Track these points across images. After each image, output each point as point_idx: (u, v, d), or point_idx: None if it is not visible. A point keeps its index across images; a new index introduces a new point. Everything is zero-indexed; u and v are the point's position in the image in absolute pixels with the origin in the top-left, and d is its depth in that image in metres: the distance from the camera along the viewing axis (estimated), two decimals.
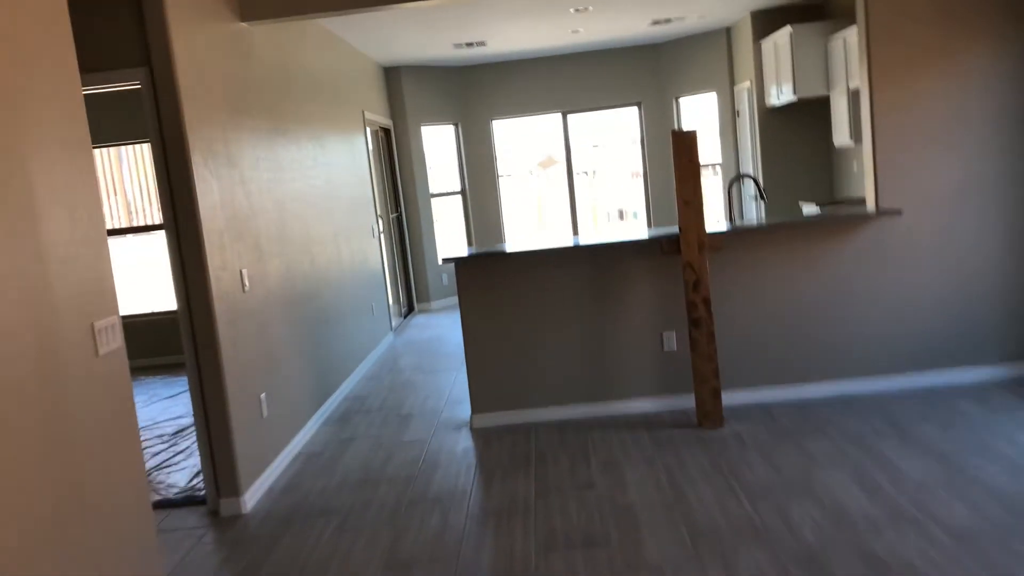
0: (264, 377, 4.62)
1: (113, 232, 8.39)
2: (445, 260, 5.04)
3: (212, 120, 4.25)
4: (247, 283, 4.47)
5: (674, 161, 4.67)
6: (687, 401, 5.09)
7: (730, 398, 5.06)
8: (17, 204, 2.35)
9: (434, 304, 9.87)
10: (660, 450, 4.42)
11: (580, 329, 5.07)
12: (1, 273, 2.27)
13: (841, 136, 7.27)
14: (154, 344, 8.24)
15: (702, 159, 10.22)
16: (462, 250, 5.44)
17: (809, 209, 7.56)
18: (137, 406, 6.58)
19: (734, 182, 5.85)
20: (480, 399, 5.16)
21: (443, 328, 8.62)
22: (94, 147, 8.17)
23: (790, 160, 8.64)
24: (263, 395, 4.56)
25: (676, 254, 4.75)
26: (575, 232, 10.49)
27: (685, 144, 4.62)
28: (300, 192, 5.67)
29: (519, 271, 5.10)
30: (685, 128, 9.99)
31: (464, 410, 5.57)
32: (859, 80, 5.09)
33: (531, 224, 14.10)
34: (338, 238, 6.56)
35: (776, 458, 4.14)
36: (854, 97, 7.02)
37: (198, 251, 3.98)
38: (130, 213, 9.64)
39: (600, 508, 3.76)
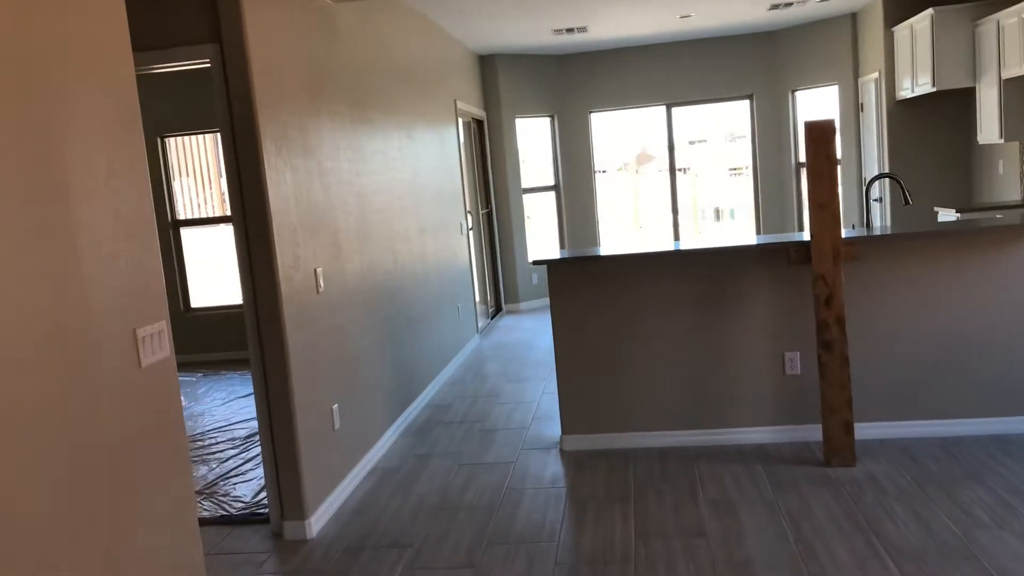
0: (338, 386, 4.22)
1: (207, 221, 8.24)
2: (536, 262, 4.55)
3: (288, 104, 3.86)
4: (322, 283, 4.08)
5: (807, 157, 4.04)
6: (811, 433, 4.44)
7: (862, 431, 4.39)
8: (47, 194, 1.97)
9: (523, 305, 9.40)
10: (781, 491, 3.81)
11: (687, 345, 4.49)
12: (27, 273, 1.89)
13: (989, 132, 6.41)
14: (238, 338, 8.05)
15: None
16: (554, 251, 4.93)
17: (946, 215, 6.73)
18: (214, 404, 6.34)
19: (874, 182, 5.15)
20: (571, 419, 4.64)
21: (531, 331, 8.14)
22: (189, 133, 8.02)
23: (922, 159, 7.78)
24: (335, 406, 4.16)
25: (805, 264, 4.12)
26: (675, 234, 9.83)
27: (821, 136, 3.98)
28: (384, 185, 5.27)
29: (618, 277, 4.55)
30: (807, 122, 9.20)
31: (553, 428, 5.06)
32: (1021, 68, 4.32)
33: (627, 224, 13.48)
34: (424, 234, 6.15)
35: (924, 511, 3.47)
36: (1008, 88, 6.16)
37: (267, 247, 3.60)
38: (223, 202, 9.53)
39: (714, 565, 3.19)
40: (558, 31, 7.99)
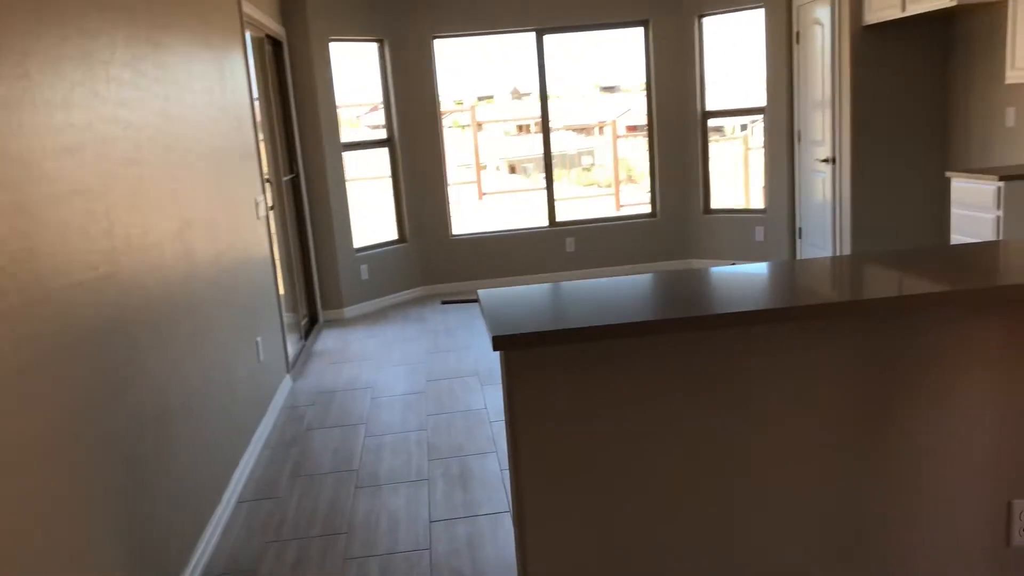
0: None
1: None
2: (497, 340, 1.93)
3: None
4: None
5: None
6: None
7: None
8: None
9: (348, 312, 6.64)
10: None
11: (804, 493, 2.08)
12: None
13: (1022, 65, 4.50)
14: None
15: (738, 103, 7.34)
16: (514, 323, 2.34)
17: (969, 182, 4.78)
18: None
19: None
20: None
21: (371, 359, 5.44)
22: None
23: (897, 106, 5.86)
24: None
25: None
26: (551, 214, 7.41)
27: None
28: (92, 140, 2.37)
29: (645, 364, 2.04)
30: (707, 59, 7.04)
31: None
32: None
33: (471, 194, 10.94)
34: (191, 228, 3.27)
35: None
36: None
37: None
38: None
39: None
40: None
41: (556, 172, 7.41)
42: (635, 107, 8.46)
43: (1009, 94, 5.22)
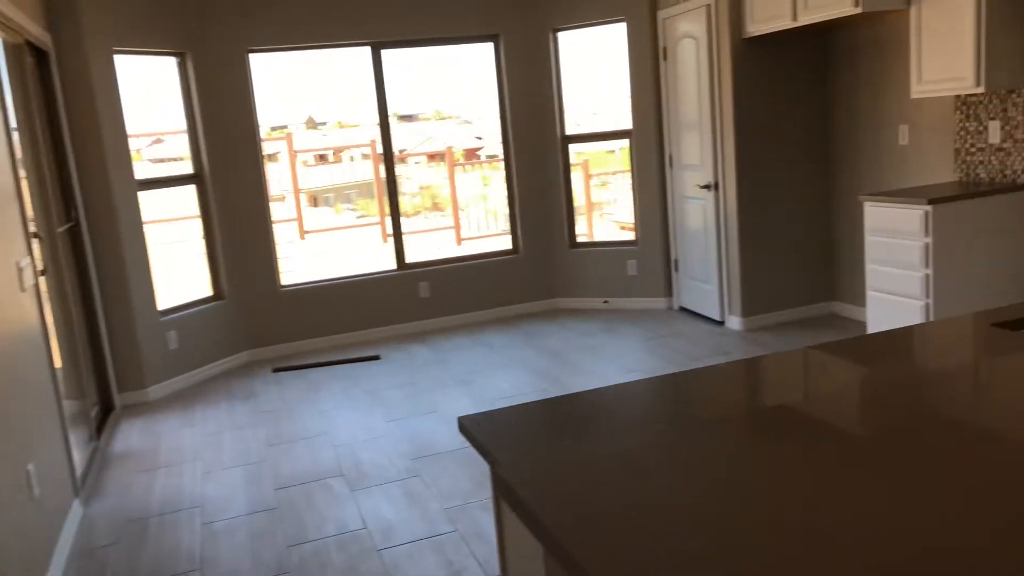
0: None
1: None
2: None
3: None
4: None
5: None
6: None
7: None
8: None
9: (154, 391, 5.26)
10: None
11: None
12: None
13: (942, 77, 4.11)
14: None
15: (602, 124, 6.70)
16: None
17: (883, 207, 4.32)
18: None
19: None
20: None
21: (193, 461, 4.17)
22: None
23: (781, 128, 5.41)
24: None
25: None
26: (399, 256, 6.39)
27: None
28: None
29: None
30: (564, 75, 6.36)
31: None
32: None
33: (292, 233, 9.68)
34: None
35: None
36: (995, 4, 3.90)
37: None
38: None
39: None
40: None
41: (379, 203, 6.41)
42: (480, 133, 7.70)
43: (902, 111, 4.88)
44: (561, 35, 6.32)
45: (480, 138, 12.72)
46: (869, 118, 5.12)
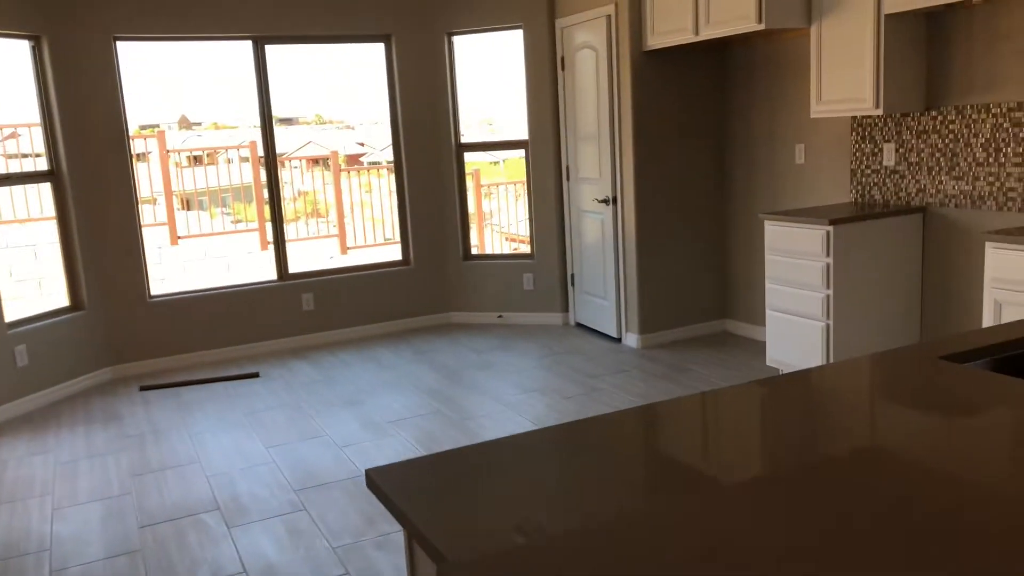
0: None
1: None
2: None
3: None
4: None
5: None
6: None
7: None
8: None
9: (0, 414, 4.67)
10: None
11: None
12: None
13: (841, 98, 4.14)
14: None
15: (496, 134, 6.50)
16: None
17: (784, 226, 4.32)
18: None
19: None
20: None
21: (42, 495, 3.67)
22: None
23: (680, 143, 5.37)
24: None
25: None
26: (280, 264, 5.97)
27: None
28: None
29: None
30: (458, 79, 6.15)
31: None
32: None
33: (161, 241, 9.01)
34: None
35: None
36: (893, 27, 3.96)
37: None
38: None
39: None
40: None
41: (258, 208, 6.00)
42: (372, 137, 7.40)
43: (798, 130, 4.92)
44: (457, 39, 6.10)
45: (362, 144, 12.31)
46: (766, 136, 5.15)
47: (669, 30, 4.88)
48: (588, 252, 5.78)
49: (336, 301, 6.05)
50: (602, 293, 5.68)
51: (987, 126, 3.90)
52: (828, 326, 4.10)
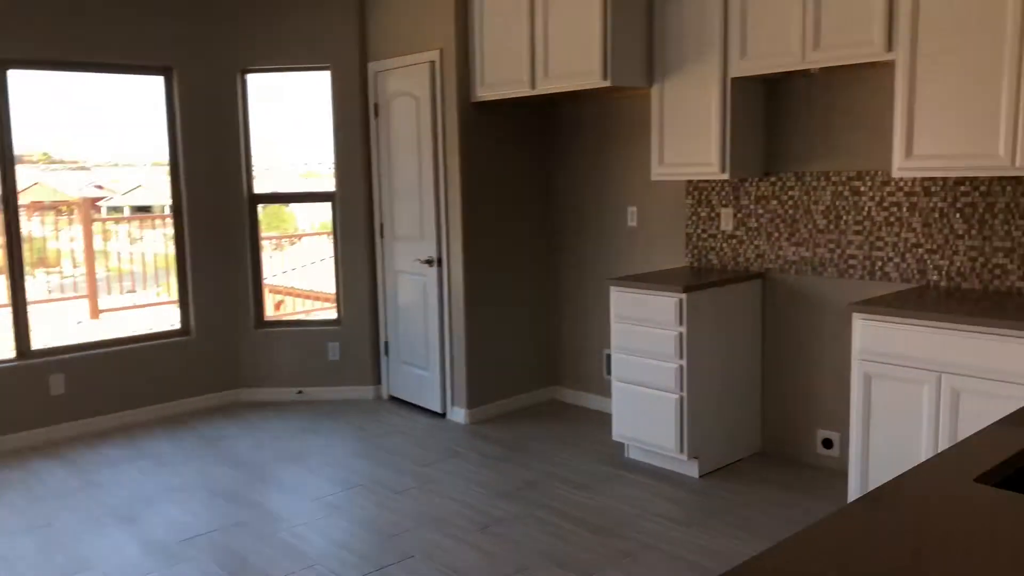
0: None
1: None
2: None
3: None
4: None
5: None
6: None
7: None
8: None
9: None
10: None
11: None
12: None
13: (675, 162, 3.98)
14: None
15: (299, 184, 5.77)
16: None
17: (639, 294, 4.04)
18: None
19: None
20: None
21: None
22: None
23: (511, 202, 4.99)
24: None
25: None
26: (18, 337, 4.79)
27: None
28: None
29: None
30: (251, 124, 5.41)
31: None
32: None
33: None
34: None
35: None
36: (740, 90, 3.87)
37: None
38: None
39: None
40: None
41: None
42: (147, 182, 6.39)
43: (631, 192, 4.73)
44: (252, 78, 5.35)
45: (101, 187, 10.86)
46: (597, 198, 4.92)
47: (502, 81, 4.52)
48: (406, 317, 5.21)
49: (95, 381, 4.96)
50: (423, 363, 5.12)
51: (827, 193, 3.89)
52: (682, 398, 3.85)
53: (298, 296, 7.96)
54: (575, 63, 4.11)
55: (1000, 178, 3.31)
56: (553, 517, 3.57)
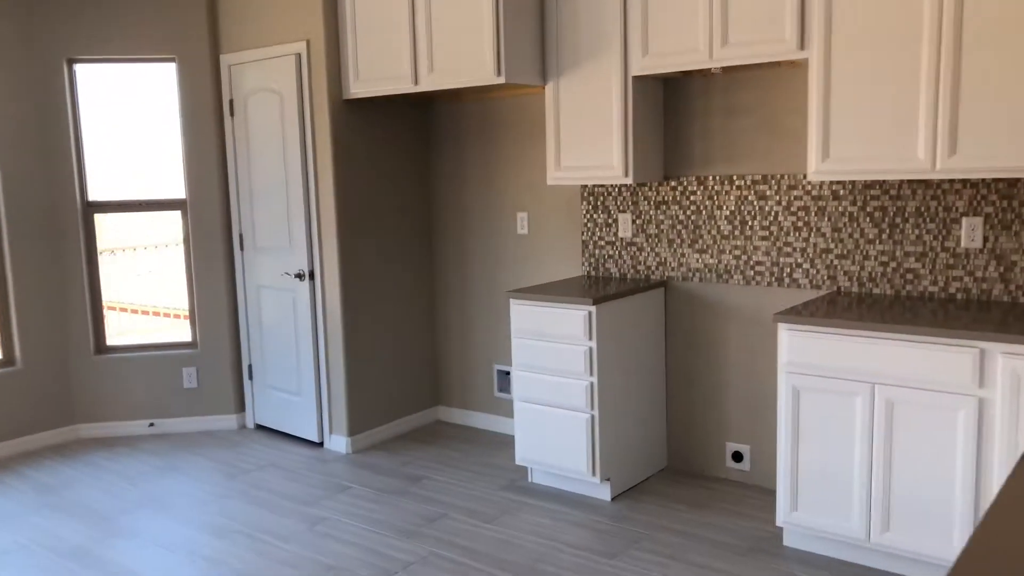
0: None
1: None
2: None
3: None
4: None
5: None
6: None
7: None
8: None
9: None
10: None
11: None
12: None
13: (574, 165, 3.77)
14: None
15: (139, 189, 5.07)
16: None
17: (543, 307, 3.77)
18: None
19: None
20: None
21: None
22: None
23: (389, 208, 4.59)
24: None
25: None
26: None
27: None
28: None
29: None
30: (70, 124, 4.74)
31: None
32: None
33: None
34: None
35: None
36: (641, 88, 3.69)
37: None
38: None
39: None
40: None
41: None
42: None
43: (519, 197, 4.47)
44: (81, 68, 4.66)
45: None
46: (481, 204, 4.62)
47: (379, 76, 4.12)
48: (273, 337, 4.70)
49: None
50: (294, 387, 4.63)
51: (731, 198, 3.77)
52: (593, 417, 3.62)
53: (145, 314, 7.15)
54: (464, 58, 3.79)
55: (910, 181, 3.29)
56: (464, 557, 3.24)
